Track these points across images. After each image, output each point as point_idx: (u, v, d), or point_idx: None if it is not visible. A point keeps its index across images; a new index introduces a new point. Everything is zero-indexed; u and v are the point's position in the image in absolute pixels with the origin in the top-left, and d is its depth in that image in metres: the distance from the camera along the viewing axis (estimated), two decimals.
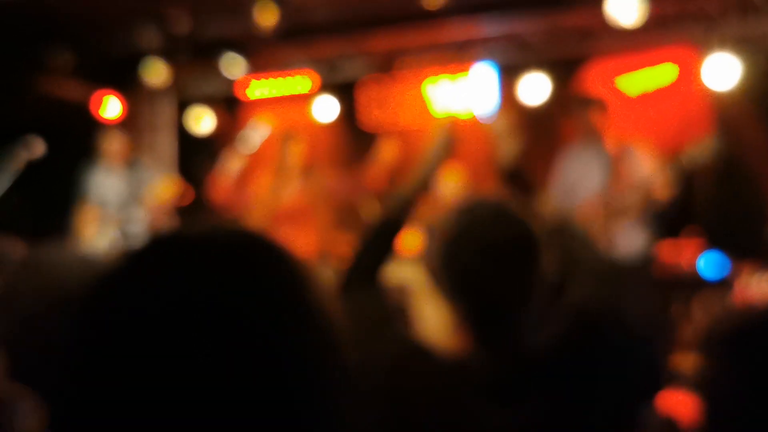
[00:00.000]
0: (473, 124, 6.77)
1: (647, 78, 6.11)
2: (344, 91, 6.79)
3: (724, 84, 5.31)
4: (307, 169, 4.94)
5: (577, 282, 1.54)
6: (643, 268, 4.55)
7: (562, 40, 6.05)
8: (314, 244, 4.71)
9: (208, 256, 0.69)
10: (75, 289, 1.10)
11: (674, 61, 6.01)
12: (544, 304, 1.48)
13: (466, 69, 6.62)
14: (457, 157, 6.05)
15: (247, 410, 0.64)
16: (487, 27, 6.08)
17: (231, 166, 4.81)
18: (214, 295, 0.66)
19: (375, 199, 4.90)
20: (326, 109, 6.76)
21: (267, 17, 5.48)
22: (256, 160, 5.09)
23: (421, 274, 1.50)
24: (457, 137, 1.93)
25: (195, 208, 5.86)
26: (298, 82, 6.79)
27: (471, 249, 1.43)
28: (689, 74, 5.71)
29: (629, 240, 4.48)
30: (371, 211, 5.05)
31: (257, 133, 4.87)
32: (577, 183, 4.66)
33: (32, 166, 4.93)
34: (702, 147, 4.30)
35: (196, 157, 6.43)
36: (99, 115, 6.59)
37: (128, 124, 6.59)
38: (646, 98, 6.08)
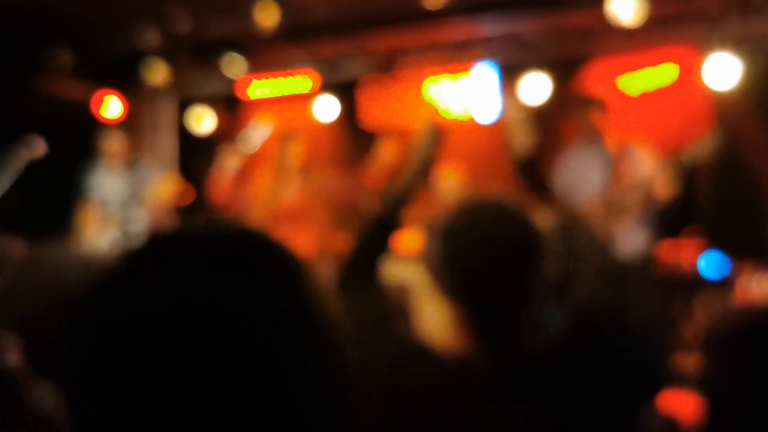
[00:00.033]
0: (473, 124, 6.79)
1: (648, 78, 6.11)
2: (345, 91, 6.79)
3: (725, 84, 5.31)
4: (306, 169, 4.94)
5: (581, 281, 1.54)
6: (644, 268, 4.55)
7: (562, 40, 6.05)
8: (313, 243, 4.71)
9: (207, 255, 0.68)
10: (75, 289, 1.10)
11: (675, 61, 6.00)
12: (546, 304, 1.48)
13: (466, 69, 6.63)
14: (449, 153, 6.04)
15: (248, 410, 0.64)
16: (488, 27, 6.08)
17: (229, 164, 4.81)
18: (214, 294, 0.66)
19: (375, 198, 4.90)
20: (327, 108, 6.76)
21: (267, 17, 5.48)
22: (255, 159, 5.09)
23: (422, 273, 1.50)
24: (443, 132, 1.93)
25: (195, 208, 5.86)
26: (298, 82, 6.79)
27: (471, 248, 1.43)
28: (690, 74, 5.70)
29: (630, 240, 4.48)
30: (371, 210, 5.04)
31: (258, 132, 4.87)
32: (577, 183, 4.66)
33: (33, 166, 4.93)
34: (702, 145, 4.30)
35: (196, 157, 6.42)
36: (100, 115, 6.59)
37: (129, 123, 6.59)
38: (646, 98, 6.08)
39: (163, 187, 5.40)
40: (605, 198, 4.52)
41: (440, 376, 1.39)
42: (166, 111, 7.34)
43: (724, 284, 4.86)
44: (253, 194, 4.90)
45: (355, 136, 6.85)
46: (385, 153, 4.82)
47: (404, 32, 6.12)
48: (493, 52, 6.36)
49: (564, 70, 6.06)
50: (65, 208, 5.44)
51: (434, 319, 1.46)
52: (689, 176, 4.60)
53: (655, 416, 1.76)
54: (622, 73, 6.13)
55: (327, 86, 6.72)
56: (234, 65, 6.23)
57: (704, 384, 1.31)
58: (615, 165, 4.62)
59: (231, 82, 6.78)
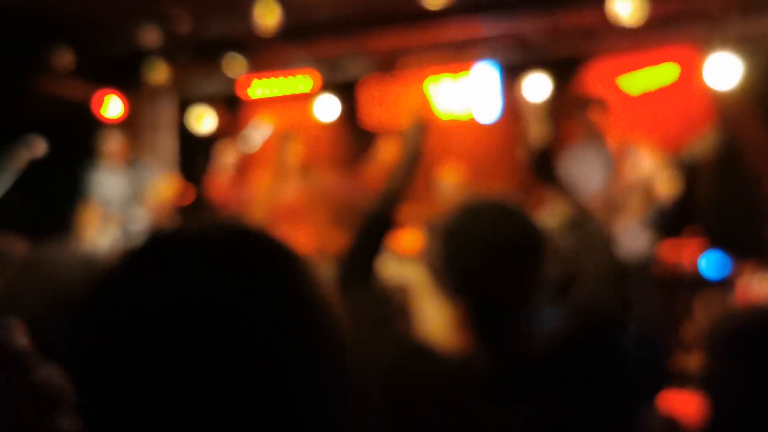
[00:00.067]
0: (474, 123, 6.79)
1: (649, 77, 6.10)
2: (345, 91, 6.79)
3: (726, 84, 5.30)
4: (305, 168, 4.94)
5: (584, 280, 1.54)
6: (645, 268, 4.55)
7: (563, 40, 6.05)
8: (312, 243, 4.71)
9: (208, 254, 0.68)
10: (76, 288, 1.10)
11: (676, 61, 6.00)
12: (546, 304, 1.48)
13: (467, 68, 6.63)
14: (450, 153, 6.01)
15: (249, 409, 0.63)
16: (489, 26, 6.08)
17: (227, 161, 4.81)
18: (214, 294, 0.66)
19: (371, 197, 4.89)
20: (327, 108, 6.76)
21: (268, 15, 5.48)
22: (254, 158, 5.09)
23: (422, 273, 1.50)
24: (429, 125, 1.92)
25: (195, 208, 5.86)
26: (299, 82, 6.79)
27: (472, 248, 1.43)
28: (691, 74, 5.70)
29: (631, 239, 4.48)
30: (366, 209, 5.04)
31: (259, 132, 4.87)
32: (578, 182, 4.66)
33: (33, 166, 4.93)
34: (702, 142, 4.31)
35: (197, 157, 6.43)
36: (100, 115, 6.59)
37: (129, 123, 6.60)
38: (647, 98, 6.08)
39: (163, 186, 5.40)
40: (606, 197, 4.52)
41: (440, 375, 1.38)
42: (166, 111, 7.35)
43: (725, 284, 4.86)
44: (252, 193, 4.90)
45: (355, 136, 6.85)
46: (385, 152, 4.82)
47: (405, 32, 6.11)
48: (494, 52, 6.36)
49: (564, 70, 6.06)
50: (66, 207, 5.44)
51: (434, 319, 1.46)
52: (690, 175, 4.60)
53: (656, 416, 1.76)
54: (623, 73, 6.13)
55: (327, 86, 6.72)
56: (234, 65, 6.23)
57: (706, 383, 1.30)
58: (616, 164, 4.62)
59: (231, 82, 6.78)
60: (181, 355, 0.63)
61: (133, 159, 5.60)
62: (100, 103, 6.63)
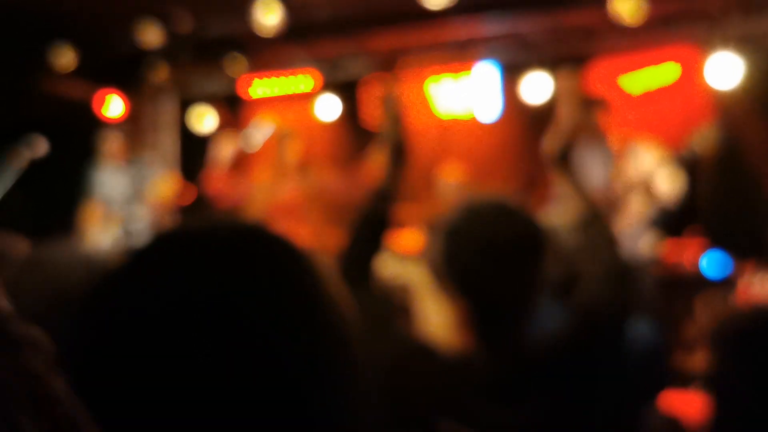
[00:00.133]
0: (475, 123, 6.79)
1: (650, 77, 6.10)
2: (346, 90, 6.78)
3: (727, 83, 5.30)
4: (303, 166, 4.94)
5: (586, 280, 1.54)
6: (646, 268, 4.54)
7: (564, 39, 6.05)
8: (310, 241, 4.70)
9: (213, 253, 0.68)
10: (77, 288, 1.10)
11: (677, 60, 6.00)
12: (548, 303, 1.48)
13: (468, 68, 6.62)
14: (451, 153, 5.97)
15: (256, 409, 0.63)
16: (490, 26, 6.07)
17: (224, 154, 4.80)
18: (219, 293, 0.65)
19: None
20: (328, 107, 6.76)
21: (268, 15, 5.49)
22: (253, 155, 5.09)
23: (423, 272, 1.50)
24: (401, 104, 1.91)
25: (196, 207, 5.86)
26: (300, 81, 6.79)
27: (473, 248, 1.43)
28: (692, 73, 5.70)
29: (632, 239, 4.47)
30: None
31: (260, 131, 4.87)
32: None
33: (35, 165, 4.94)
34: (702, 136, 4.30)
35: (198, 156, 6.43)
36: (102, 114, 6.59)
37: (131, 122, 6.60)
38: (648, 97, 6.07)
39: (162, 185, 5.41)
40: (607, 196, 4.52)
41: (441, 375, 1.38)
42: (167, 110, 7.35)
43: (726, 284, 4.85)
44: (250, 190, 4.89)
45: (356, 135, 6.85)
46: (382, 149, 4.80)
47: (406, 31, 6.11)
48: (495, 52, 6.36)
49: (562, 69, 6.05)
50: (67, 207, 5.45)
51: (435, 319, 1.46)
52: (691, 173, 4.59)
53: (657, 416, 1.76)
54: (624, 73, 6.13)
55: (328, 85, 6.72)
56: (235, 64, 6.23)
57: (710, 384, 1.30)
58: (617, 163, 4.62)
59: (232, 82, 6.78)
60: (188, 355, 0.63)
61: (133, 158, 5.60)
62: (102, 102, 6.64)
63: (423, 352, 1.41)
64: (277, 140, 4.92)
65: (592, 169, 4.66)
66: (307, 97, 6.80)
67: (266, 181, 4.88)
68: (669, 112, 5.86)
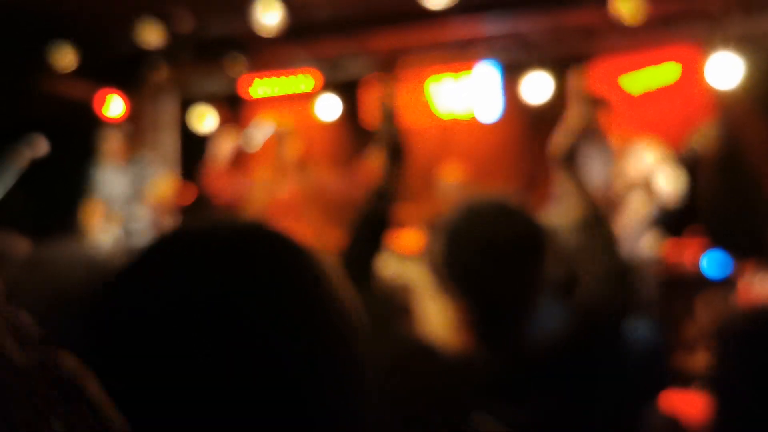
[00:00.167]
0: (475, 123, 6.79)
1: (650, 77, 6.10)
2: (347, 90, 6.78)
3: (727, 83, 5.30)
4: (302, 164, 4.94)
5: (587, 279, 1.54)
6: (647, 268, 4.54)
7: (565, 39, 6.05)
8: (308, 239, 4.68)
9: (219, 254, 0.68)
10: (77, 288, 1.10)
11: (677, 60, 6.00)
12: (548, 303, 1.48)
13: (468, 68, 6.62)
14: (452, 153, 5.96)
15: (263, 410, 0.63)
16: (490, 26, 6.07)
17: (223, 150, 4.80)
18: (225, 293, 0.65)
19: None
20: (329, 107, 6.76)
21: (268, 9, 5.49)
22: (252, 154, 5.08)
23: (424, 272, 1.50)
24: (396, 104, 1.91)
25: (197, 206, 5.86)
26: (300, 81, 6.79)
27: (473, 247, 1.43)
28: (692, 73, 5.70)
29: (632, 238, 4.47)
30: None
31: (261, 131, 4.87)
32: None
33: (36, 165, 4.94)
34: (701, 135, 4.30)
35: (198, 156, 6.44)
36: (102, 114, 6.59)
37: (131, 122, 6.60)
38: (649, 97, 6.07)
39: (162, 185, 5.41)
40: (607, 195, 4.52)
41: (442, 375, 1.38)
42: (168, 110, 7.35)
43: (727, 284, 4.85)
44: (249, 188, 4.89)
45: (356, 135, 6.85)
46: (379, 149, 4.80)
47: (406, 31, 6.11)
48: (495, 51, 6.36)
49: (566, 69, 6.05)
50: (68, 206, 5.45)
51: (436, 319, 1.46)
52: (691, 173, 4.59)
53: (657, 416, 1.76)
54: (625, 72, 6.13)
55: (329, 85, 6.72)
56: (236, 64, 6.24)
57: (712, 384, 1.30)
58: (617, 163, 4.62)
59: (233, 81, 6.78)
60: (191, 356, 0.63)
61: (134, 157, 5.60)
62: (102, 102, 6.64)
63: (423, 352, 1.41)
64: (277, 139, 4.92)
65: (593, 169, 4.66)
66: (308, 97, 6.80)
67: (265, 179, 4.88)
68: (669, 111, 5.86)
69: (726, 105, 5.46)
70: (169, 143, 7.34)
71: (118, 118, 6.56)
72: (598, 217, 1.64)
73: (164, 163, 6.84)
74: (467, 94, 6.73)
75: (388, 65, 6.50)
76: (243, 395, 0.63)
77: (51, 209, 5.61)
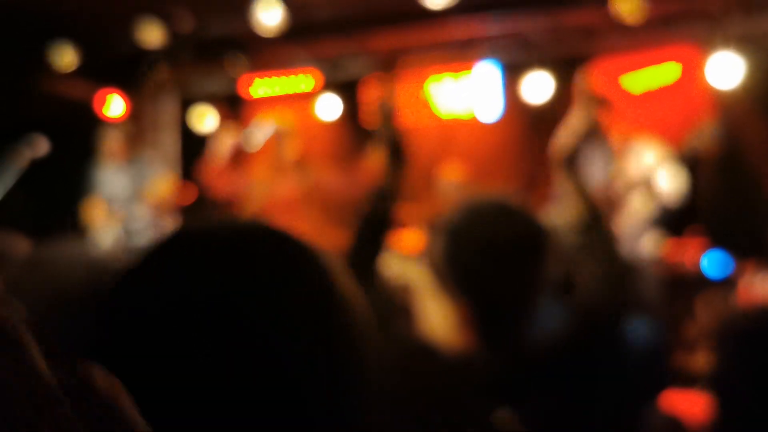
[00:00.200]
0: (476, 122, 6.79)
1: (651, 76, 6.10)
2: (347, 90, 6.79)
3: (728, 83, 5.30)
4: (301, 163, 4.94)
5: (585, 280, 1.54)
6: (647, 267, 4.54)
7: (565, 39, 6.05)
8: (306, 238, 4.67)
9: (222, 254, 0.68)
10: (77, 288, 1.10)
11: (678, 60, 6.00)
12: (548, 303, 1.48)
13: (469, 68, 6.62)
14: (452, 152, 5.95)
15: (265, 409, 0.63)
16: (491, 25, 6.07)
17: (223, 148, 4.80)
18: (231, 294, 0.65)
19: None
20: (329, 107, 6.76)
21: (268, 6, 5.49)
22: (252, 153, 5.08)
23: (424, 272, 1.50)
24: (396, 110, 1.91)
25: (197, 206, 5.86)
26: (301, 81, 6.79)
27: (474, 247, 1.43)
28: (693, 73, 5.70)
29: (633, 238, 4.47)
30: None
31: (262, 131, 4.87)
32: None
33: (36, 165, 4.94)
34: (701, 133, 4.30)
35: (199, 156, 6.44)
36: (102, 114, 6.59)
37: (131, 122, 6.60)
38: (649, 97, 6.07)
39: (161, 185, 5.41)
40: (607, 194, 4.52)
41: (442, 375, 1.38)
42: (168, 110, 7.35)
43: (727, 284, 4.85)
44: (248, 186, 4.89)
45: (357, 135, 6.85)
46: (382, 149, 4.80)
47: (406, 31, 6.11)
48: (496, 51, 6.36)
49: (567, 69, 6.05)
50: (68, 206, 5.45)
51: (437, 318, 1.46)
52: (692, 172, 4.59)
53: (658, 415, 1.76)
54: (625, 72, 6.13)
55: (329, 85, 6.72)
56: (236, 64, 6.24)
57: (713, 383, 1.30)
58: (618, 162, 4.62)
59: (233, 81, 6.78)
60: (197, 356, 0.63)
61: (134, 157, 5.60)
62: (103, 102, 6.64)
63: (424, 352, 1.41)
64: (276, 138, 4.92)
65: (593, 168, 4.66)
66: (308, 97, 6.80)
67: (263, 178, 4.88)
68: (670, 111, 5.86)
69: (726, 105, 5.46)
70: (170, 143, 7.34)
71: (118, 118, 6.56)
72: (598, 219, 1.64)
73: (164, 163, 6.84)
74: (467, 94, 6.73)
75: (389, 65, 6.50)
76: (243, 395, 0.63)
77: (51, 209, 5.61)
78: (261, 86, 6.91)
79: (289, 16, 5.60)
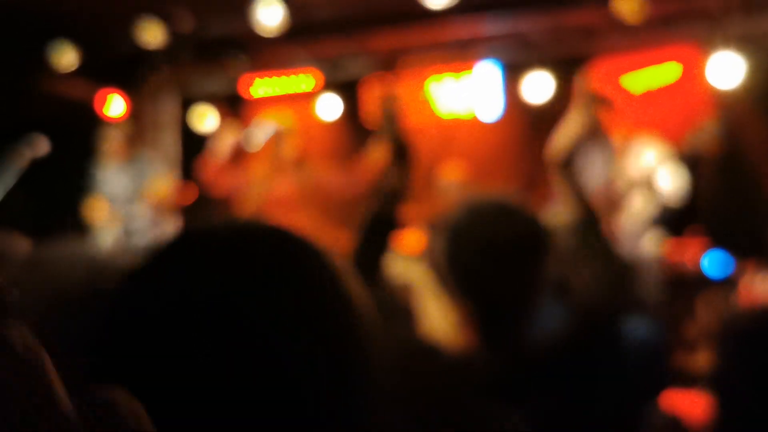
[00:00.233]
0: (476, 122, 6.79)
1: (651, 76, 6.10)
2: (347, 90, 6.79)
3: (728, 82, 5.30)
4: (300, 162, 4.94)
5: (585, 280, 1.54)
6: (648, 266, 4.54)
7: (565, 39, 6.05)
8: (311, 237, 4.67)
9: (223, 254, 0.68)
10: (78, 288, 1.10)
11: (678, 60, 5.99)
12: (550, 302, 1.48)
13: (469, 67, 6.62)
14: (453, 152, 5.94)
15: (265, 409, 0.63)
16: (491, 25, 6.07)
17: (223, 145, 4.81)
18: (229, 293, 0.65)
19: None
20: (329, 107, 6.77)
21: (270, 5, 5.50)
22: (251, 152, 5.09)
23: (425, 272, 1.50)
24: (399, 105, 1.92)
25: (198, 205, 5.86)
26: (301, 81, 6.79)
27: (475, 247, 1.43)
28: (693, 73, 5.70)
29: (633, 237, 4.47)
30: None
31: (262, 130, 4.87)
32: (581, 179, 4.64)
33: (36, 164, 4.94)
34: (702, 132, 4.30)
35: (199, 156, 6.44)
36: (103, 114, 6.60)
37: (132, 122, 6.60)
38: (650, 96, 6.07)
39: (160, 184, 5.41)
40: (608, 194, 4.52)
41: (443, 374, 1.38)
42: (168, 110, 7.35)
43: (728, 283, 4.85)
44: (246, 184, 4.89)
45: (357, 135, 6.85)
46: (381, 148, 4.81)
47: (407, 31, 6.11)
48: (496, 51, 6.36)
49: (567, 69, 6.05)
50: (68, 206, 5.45)
51: (437, 318, 1.46)
52: (692, 171, 4.59)
53: (658, 415, 1.76)
54: (626, 72, 6.13)
55: (330, 85, 6.72)
56: (237, 64, 6.24)
57: (714, 383, 1.30)
58: (618, 162, 4.62)
59: (234, 81, 6.78)
60: (193, 356, 0.63)
61: (134, 157, 5.60)
62: (103, 102, 6.64)
63: (424, 352, 1.41)
64: (275, 137, 4.92)
65: (594, 168, 4.66)
66: (308, 97, 6.80)
67: (261, 176, 4.88)
68: (670, 111, 5.86)
69: (726, 105, 5.46)
70: (170, 143, 7.34)
71: (118, 118, 6.56)
72: (593, 221, 1.65)
73: (165, 162, 6.84)
74: (468, 94, 6.73)
75: (389, 65, 6.50)
76: (243, 395, 0.63)
77: (51, 209, 5.61)
78: (261, 86, 6.92)
79: (289, 16, 5.60)
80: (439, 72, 6.73)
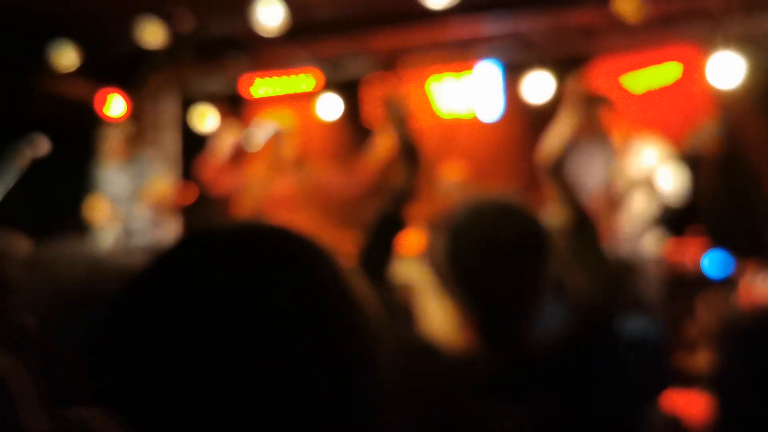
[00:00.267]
0: (476, 122, 6.79)
1: (651, 76, 6.10)
2: (348, 90, 6.78)
3: (729, 82, 5.30)
4: (300, 161, 4.93)
5: (584, 280, 1.54)
6: (648, 266, 4.54)
7: (566, 39, 6.04)
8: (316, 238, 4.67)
9: (223, 254, 0.68)
10: (78, 287, 1.10)
11: (679, 60, 5.99)
12: (550, 302, 1.48)
13: (469, 67, 6.62)
14: (453, 152, 5.94)
15: (266, 409, 0.63)
16: (491, 25, 6.07)
17: (223, 144, 4.80)
18: (229, 293, 0.65)
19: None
20: (330, 107, 6.76)
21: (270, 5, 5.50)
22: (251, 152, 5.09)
23: (426, 272, 1.50)
24: (407, 109, 1.92)
25: (198, 205, 5.86)
26: (302, 81, 6.79)
27: (475, 247, 1.43)
28: (693, 72, 5.69)
29: (634, 237, 4.47)
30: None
31: (263, 130, 4.87)
32: (581, 179, 4.65)
33: (37, 164, 4.94)
34: (703, 132, 4.30)
35: (199, 156, 6.44)
36: (103, 113, 6.60)
37: (132, 122, 6.60)
38: (650, 96, 6.07)
39: (161, 184, 5.41)
40: (609, 194, 4.52)
41: (443, 374, 1.38)
42: (169, 109, 7.35)
43: (728, 283, 4.85)
44: (246, 183, 4.89)
45: (358, 135, 6.85)
46: (381, 147, 4.81)
47: (407, 31, 6.11)
48: (496, 51, 6.36)
49: (567, 69, 6.04)
50: (69, 206, 5.45)
51: (438, 318, 1.46)
52: (692, 170, 4.59)
53: (659, 415, 1.76)
54: (626, 72, 6.13)
55: (330, 85, 6.72)
56: (237, 64, 6.24)
57: (714, 383, 1.30)
58: (619, 161, 4.62)
59: (234, 81, 6.78)
60: (193, 357, 0.63)
61: (135, 156, 5.60)
62: (103, 101, 6.64)
63: (425, 352, 1.41)
64: (276, 137, 4.92)
65: (594, 168, 4.66)
66: (309, 97, 6.80)
67: (263, 177, 4.88)
68: (670, 111, 5.86)
69: (727, 104, 5.46)
70: (170, 143, 7.34)
71: (118, 118, 6.56)
72: (586, 224, 1.64)
73: (165, 162, 6.84)
74: (468, 94, 6.73)
75: (389, 65, 6.50)
76: (246, 395, 0.63)
77: (52, 209, 5.61)
78: (261, 86, 6.92)
79: (290, 16, 5.60)
80: (440, 72, 6.73)
